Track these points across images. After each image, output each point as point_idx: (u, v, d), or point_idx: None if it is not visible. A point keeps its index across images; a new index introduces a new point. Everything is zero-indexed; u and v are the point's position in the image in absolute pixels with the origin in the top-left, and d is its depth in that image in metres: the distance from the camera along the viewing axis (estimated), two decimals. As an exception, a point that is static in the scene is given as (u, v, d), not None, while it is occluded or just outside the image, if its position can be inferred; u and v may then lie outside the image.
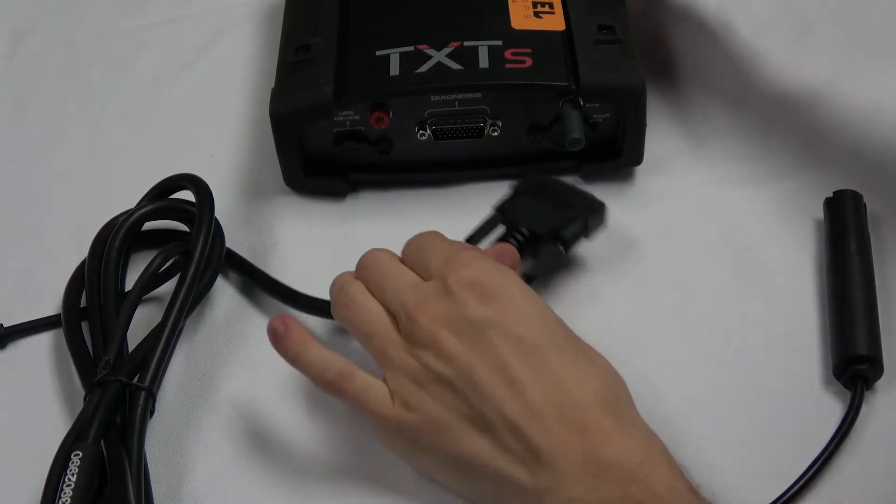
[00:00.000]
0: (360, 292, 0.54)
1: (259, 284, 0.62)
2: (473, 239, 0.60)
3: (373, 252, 0.56)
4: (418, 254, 0.54)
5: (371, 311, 0.53)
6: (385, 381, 0.52)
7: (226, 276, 0.63)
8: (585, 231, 0.60)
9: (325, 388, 0.52)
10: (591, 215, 0.60)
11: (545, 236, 0.59)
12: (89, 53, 0.78)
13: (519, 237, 0.59)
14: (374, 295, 0.54)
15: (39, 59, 0.78)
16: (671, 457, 0.48)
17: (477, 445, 0.49)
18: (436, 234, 0.56)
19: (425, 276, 0.53)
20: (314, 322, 0.60)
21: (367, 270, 0.55)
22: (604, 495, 0.46)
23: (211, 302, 0.62)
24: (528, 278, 0.58)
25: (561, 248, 0.59)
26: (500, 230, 0.60)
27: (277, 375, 0.59)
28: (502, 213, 0.60)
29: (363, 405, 0.52)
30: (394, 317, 0.53)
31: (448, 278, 0.51)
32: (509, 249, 0.57)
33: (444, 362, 0.50)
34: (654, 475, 0.46)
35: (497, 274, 0.52)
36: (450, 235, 0.56)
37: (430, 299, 0.51)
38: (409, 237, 0.56)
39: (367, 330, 0.53)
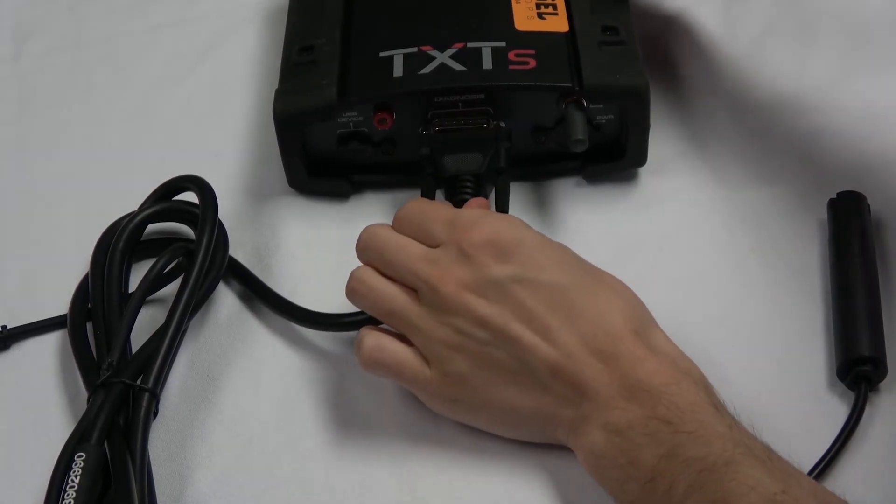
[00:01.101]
0: (369, 275, 0.55)
1: (259, 297, 0.62)
2: None
3: (369, 230, 0.56)
4: (416, 223, 0.55)
5: (385, 290, 0.54)
6: (418, 350, 0.53)
7: (230, 281, 0.63)
8: (506, 150, 0.62)
9: (366, 366, 0.54)
10: (497, 140, 0.62)
11: (485, 175, 0.61)
12: (94, 55, 0.78)
13: (469, 187, 0.61)
14: (384, 273, 0.55)
15: (44, 61, 0.78)
16: (698, 374, 0.51)
17: (522, 394, 0.52)
18: (425, 201, 0.57)
19: (430, 242, 0.54)
20: (312, 334, 0.60)
21: (370, 251, 0.56)
22: (634, 416, 0.49)
23: (214, 303, 0.62)
24: None
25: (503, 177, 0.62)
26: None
27: (281, 376, 0.59)
28: (433, 177, 0.62)
29: (400, 376, 0.54)
30: (410, 290, 0.54)
31: (461, 242, 0.53)
32: (483, 203, 0.59)
33: (478, 325, 0.52)
34: (678, 393, 0.49)
35: (506, 226, 0.54)
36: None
37: (449, 266, 0.53)
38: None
39: (387, 308, 0.54)
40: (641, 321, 0.53)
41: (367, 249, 0.56)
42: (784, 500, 0.45)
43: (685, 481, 0.46)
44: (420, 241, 0.55)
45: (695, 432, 0.47)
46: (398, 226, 0.56)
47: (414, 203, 0.57)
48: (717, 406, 0.49)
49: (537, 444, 0.54)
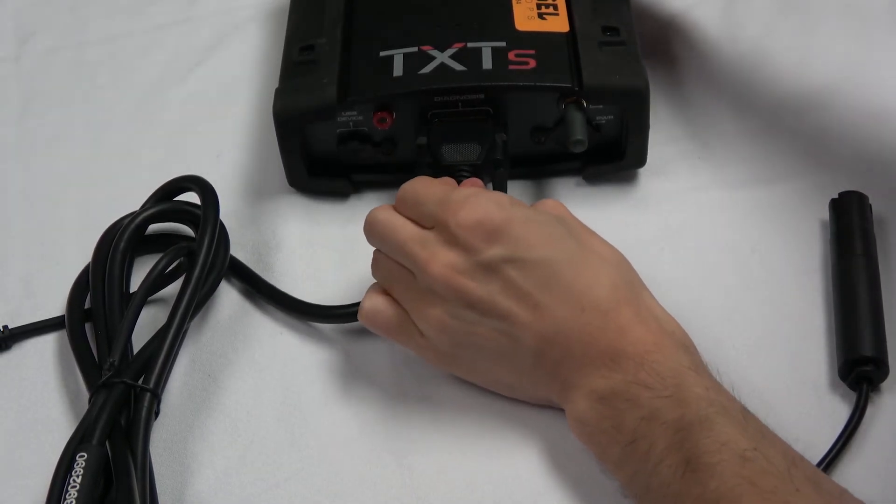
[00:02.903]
0: (377, 256, 0.57)
1: (262, 295, 0.62)
2: None
3: (370, 214, 0.57)
4: (411, 203, 0.56)
5: (390, 269, 0.55)
6: (414, 320, 0.55)
7: (230, 279, 0.63)
8: (503, 142, 0.62)
9: (363, 322, 0.57)
10: (495, 131, 0.62)
11: (482, 167, 0.62)
12: (95, 55, 0.78)
13: (466, 175, 0.61)
14: (386, 254, 0.56)
15: (46, 61, 0.78)
16: (682, 334, 0.53)
17: (513, 370, 0.54)
18: (424, 179, 0.57)
19: (424, 223, 0.55)
20: (313, 335, 0.60)
21: (371, 236, 0.57)
22: (616, 382, 0.50)
23: (215, 303, 0.62)
24: None
25: (501, 168, 0.62)
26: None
27: (282, 376, 0.59)
28: (432, 167, 0.62)
29: (392, 338, 0.56)
30: (408, 270, 0.55)
31: (449, 224, 0.53)
32: (478, 183, 0.60)
33: (469, 307, 0.53)
34: (660, 360, 0.50)
35: (494, 206, 0.54)
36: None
37: (438, 250, 0.53)
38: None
39: (388, 286, 0.56)
40: (628, 286, 0.53)
41: (369, 233, 0.57)
42: (754, 456, 0.46)
43: (663, 442, 0.48)
44: (416, 222, 0.55)
45: (673, 396, 0.49)
46: (398, 206, 0.57)
47: (411, 183, 0.57)
48: (697, 369, 0.51)
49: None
